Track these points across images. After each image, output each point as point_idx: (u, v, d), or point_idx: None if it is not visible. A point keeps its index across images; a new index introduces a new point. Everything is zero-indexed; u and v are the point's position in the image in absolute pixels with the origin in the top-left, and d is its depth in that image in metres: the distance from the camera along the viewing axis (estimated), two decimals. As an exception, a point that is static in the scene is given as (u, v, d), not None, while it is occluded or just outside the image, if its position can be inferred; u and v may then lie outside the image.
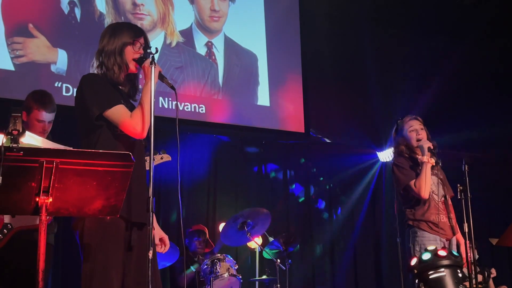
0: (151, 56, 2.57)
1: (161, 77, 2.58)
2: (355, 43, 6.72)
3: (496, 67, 7.11)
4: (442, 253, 3.29)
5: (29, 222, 3.07)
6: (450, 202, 4.08)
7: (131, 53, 2.66)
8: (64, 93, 5.17)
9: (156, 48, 2.63)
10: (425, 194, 3.89)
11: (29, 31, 5.15)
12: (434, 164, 3.97)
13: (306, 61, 6.54)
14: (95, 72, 2.68)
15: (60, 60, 5.26)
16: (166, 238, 2.94)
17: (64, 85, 5.20)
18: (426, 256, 3.32)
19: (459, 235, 4.04)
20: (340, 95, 6.53)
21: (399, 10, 6.69)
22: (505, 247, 4.61)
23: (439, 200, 3.99)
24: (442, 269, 3.24)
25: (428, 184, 3.91)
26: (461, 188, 4.01)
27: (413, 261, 3.41)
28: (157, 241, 2.83)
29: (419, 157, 3.98)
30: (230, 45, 6.16)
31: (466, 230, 3.97)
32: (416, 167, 4.01)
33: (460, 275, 3.28)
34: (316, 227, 6.43)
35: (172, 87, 2.62)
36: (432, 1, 6.69)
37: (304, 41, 6.58)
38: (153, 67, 2.53)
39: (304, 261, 6.13)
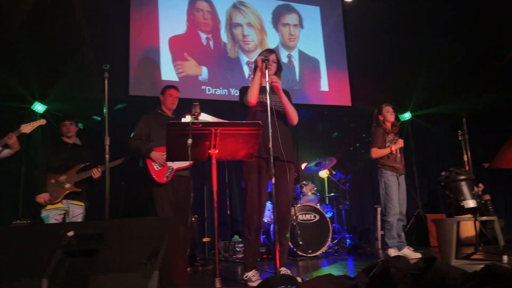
0: (265, 62, 2.70)
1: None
2: (381, 46, 6.48)
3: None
4: (459, 171, 3.16)
5: (180, 164, 3.21)
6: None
7: (260, 63, 2.79)
8: (207, 92, 5.50)
9: (267, 58, 2.79)
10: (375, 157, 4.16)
11: (185, 57, 5.49)
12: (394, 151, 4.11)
13: (350, 60, 6.46)
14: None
15: (204, 72, 5.55)
16: None
17: (207, 87, 5.51)
18: (448, 173, 3.18)
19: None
20: (374, 81, 6.37)
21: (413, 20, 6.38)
22: (492, 168, 4.44)
23: (396, 155, 4.12)
24: (460, 181, 3.11)
25: (382, 154, 4.11)
26: (461, 133, 3.97)
27: (441, 177, 3.23)
28: None
29: (390, 145, 4.10)
30: (302, 55, 6.22)
31: (466, 159, 3.95)
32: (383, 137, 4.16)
33: (471, 184, 3.13)
34: (359, 164, 6.33)
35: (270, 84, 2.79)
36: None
37: (348, 47, 6.50)
38: (267, 71, 2.66)
39: (355, 184, 6.12)
